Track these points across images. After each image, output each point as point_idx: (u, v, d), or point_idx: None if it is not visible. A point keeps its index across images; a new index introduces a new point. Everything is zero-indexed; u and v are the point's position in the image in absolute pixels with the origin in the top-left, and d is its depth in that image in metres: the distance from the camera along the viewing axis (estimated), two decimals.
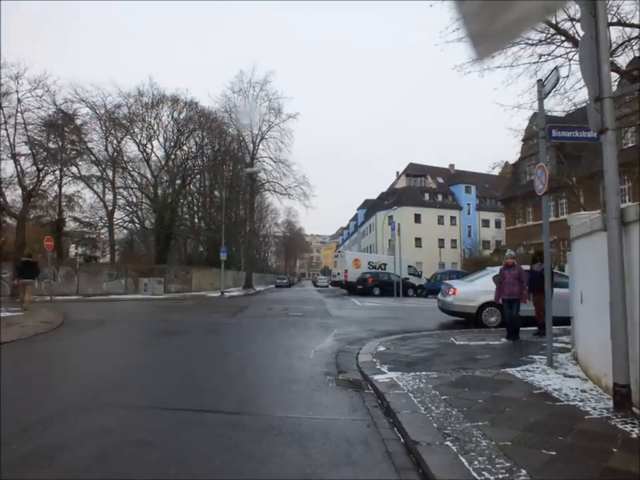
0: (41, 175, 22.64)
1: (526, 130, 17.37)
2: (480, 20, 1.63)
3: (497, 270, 8.16)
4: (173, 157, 29.66)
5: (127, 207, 30.70)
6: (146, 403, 3.92)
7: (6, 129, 20.97)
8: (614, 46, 8.21)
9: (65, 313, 11.36)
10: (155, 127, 28.75)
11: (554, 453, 2.60)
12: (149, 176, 29.45)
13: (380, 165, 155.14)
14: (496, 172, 26.25)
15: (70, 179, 26.49)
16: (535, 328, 7.65)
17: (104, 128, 27.41)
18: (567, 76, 8.61)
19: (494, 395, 3.90)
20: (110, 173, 28.17)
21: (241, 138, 32.17)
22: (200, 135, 30.41)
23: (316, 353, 6.35)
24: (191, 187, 33.03)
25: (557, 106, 15.86)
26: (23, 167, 22.18)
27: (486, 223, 48.70)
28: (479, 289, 9.06)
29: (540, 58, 9.11)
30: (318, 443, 2.93)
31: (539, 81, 5.49)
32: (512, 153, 30.59)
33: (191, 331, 8.92)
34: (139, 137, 28.52)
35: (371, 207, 56.19)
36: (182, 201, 31.97)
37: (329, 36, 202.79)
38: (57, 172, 25.14)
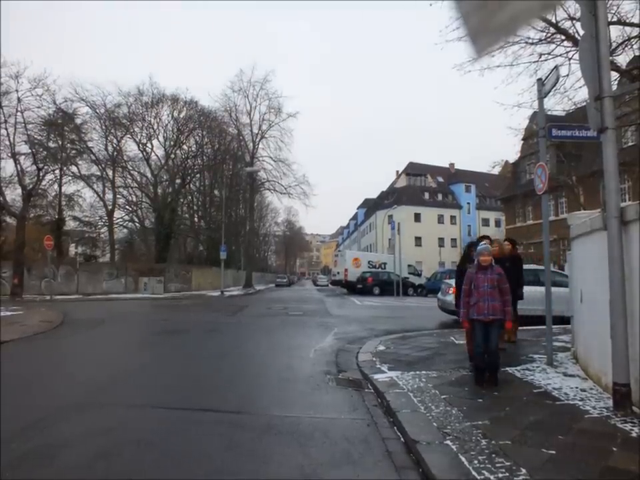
0: (41, 174, 22.63)
1: (526, 129, 17.30)
2: (479, 16, 1.63)
3: None
4: (172, 156, 29.70)
5: (127, 206, 30.76)
6: (146, 402, 3.92)
7: (6, 128, 21.01)
8: (614, 45, 8.19)
9: (65, 312, 11.38)
10: (155, 126, 28.86)
11: (554, 452, 2.60)
12: (149, 175, 29.52)
13: (380, 164, 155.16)
14: (496, 171, 26.30)
15: (70, 178, 26.62)
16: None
17: (104, 127, 27.47)
18: (567, 75, 8.58)
19: (494, 394, 3.90)
20: (110, 172, 28.22)
21: (240, 137, 32.18)
22: (200, 134, 30.47)
23: (316, 352, 6.35)
24: (191, 186, 33.08)
25: (557, 105, 15.79)
26: (22, 166, 22.21)
27: (486, 222, 48.68)
28: None
29: (540, 57, 9.08)
30: (318, 442, 2.93)
31: (539, 80, 5.48)
32: (512, 152, 30.48)
33: (190, 330, 8.92)
34: (139, 136, 28.61)
35: (371, 206, 56.19)
36: (182, 200, 32.00)
37: (328, 35, 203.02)
38: (57, 171, 25.25)
